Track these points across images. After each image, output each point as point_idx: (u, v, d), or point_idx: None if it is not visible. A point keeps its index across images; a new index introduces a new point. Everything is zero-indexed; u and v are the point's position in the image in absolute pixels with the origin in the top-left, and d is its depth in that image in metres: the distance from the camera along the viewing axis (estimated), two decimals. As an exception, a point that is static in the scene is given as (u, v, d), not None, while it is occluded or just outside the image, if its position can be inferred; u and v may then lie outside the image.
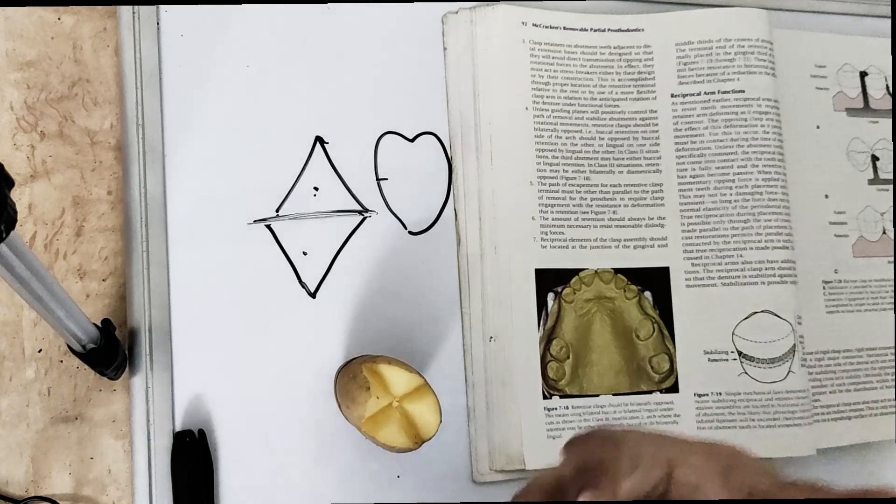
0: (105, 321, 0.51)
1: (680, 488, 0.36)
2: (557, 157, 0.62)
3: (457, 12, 0.63)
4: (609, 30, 0.65)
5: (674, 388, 0.61)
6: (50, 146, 0.56)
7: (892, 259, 0.69)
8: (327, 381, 0.56)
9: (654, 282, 0.63)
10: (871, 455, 0.66)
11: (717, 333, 0.62)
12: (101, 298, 0.56)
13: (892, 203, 0.70)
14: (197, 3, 0.58)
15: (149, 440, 0.53)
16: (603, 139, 0.63)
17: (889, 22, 0.73)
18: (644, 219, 0.63)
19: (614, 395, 0.61)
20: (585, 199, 0.62)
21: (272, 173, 0.58)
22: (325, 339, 0.57)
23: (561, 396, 0.60)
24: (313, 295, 0.58)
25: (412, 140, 0.61)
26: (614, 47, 0.65)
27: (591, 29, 0.65)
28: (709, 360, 0.62)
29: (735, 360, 0.62)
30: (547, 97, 0.63)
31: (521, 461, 0.58)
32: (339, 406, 0.55)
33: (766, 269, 0.62)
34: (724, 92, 0.65)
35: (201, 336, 0.55)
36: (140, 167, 0.56)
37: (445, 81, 0.62)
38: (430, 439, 0.54)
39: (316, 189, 0.59)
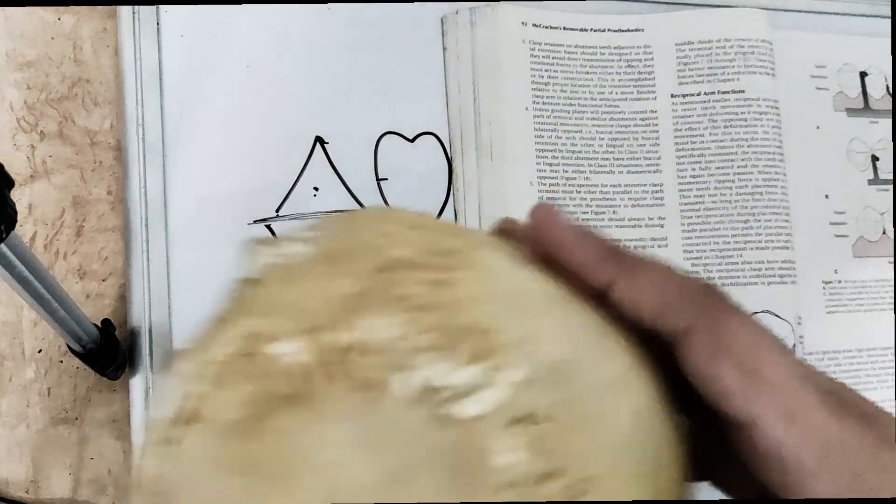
0: (105, 321, 0.51)
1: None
2: (557, 157, 0.62)
3: (457, 12, 0.63)
4: (609, 30, 0.65)
5: (674, 388, 0.61)
6: (50, 146, 0.56)
7: (892, 259, 0.69)
8: (327, 381, 0.56)
9: (654, 282, 0.62)
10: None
11: (717, 333, 0.62)
12: (101, 298, 0.56)
13: (892, 203, 0.70)
14: (197, 3, 0.58)
15: (149, 440, 0.53)
16: (603, 139, 0.63)
17: (889, 22, 0.73)
18: (644, 219, 0.63)
19: (614, 395, 0.61)
20: (585, 199, 0.62)
21: (272, 173, 0.58)
22: (325, 339, 0.57)
23: (561, 396, 0.60)
24: (313, 295, 0.58)
25: (412, 140, 0.61)
26: (614, 47, 0.65)
27: (591, 29, 0.65)
28: (709, 360, 0.62)
29: (735, 360, 0.62)
30: (547, 97, 0.63)
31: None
32: (339, 406, 0.55)
33: (766, 269, 0.62)
34: (724, 92, 0.64)
35: (201, 336, 0.55)
36: (140, 167, 0.56)
37: (445, 81, 0.62)
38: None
39: (316, 189, 0.59)
